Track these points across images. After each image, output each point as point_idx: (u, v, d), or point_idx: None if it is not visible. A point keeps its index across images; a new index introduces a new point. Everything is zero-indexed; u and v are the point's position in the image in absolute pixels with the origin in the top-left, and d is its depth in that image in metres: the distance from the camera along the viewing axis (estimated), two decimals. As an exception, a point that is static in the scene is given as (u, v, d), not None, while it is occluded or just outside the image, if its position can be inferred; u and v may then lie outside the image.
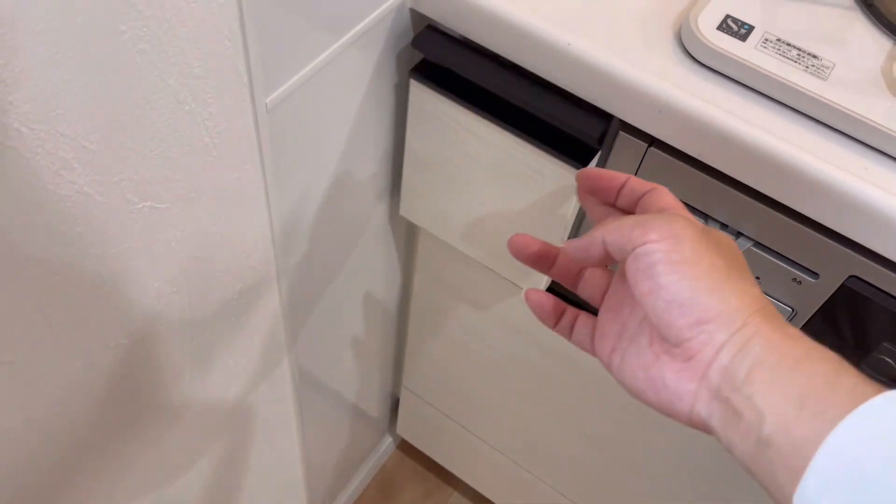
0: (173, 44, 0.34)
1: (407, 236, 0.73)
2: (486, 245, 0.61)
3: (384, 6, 0.48)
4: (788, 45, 0.44)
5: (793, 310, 0.48)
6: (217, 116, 0.39)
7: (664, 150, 0.46)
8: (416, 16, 0.51)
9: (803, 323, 0.48)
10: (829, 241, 0.44)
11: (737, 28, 0.44)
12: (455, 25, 0.49)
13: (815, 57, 0.43)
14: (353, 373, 0.80)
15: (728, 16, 0.45)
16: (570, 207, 0.53)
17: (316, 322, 0.63)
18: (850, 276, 0.44)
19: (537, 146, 0.51)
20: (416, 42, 0.51)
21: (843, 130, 0.42)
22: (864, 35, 0.45)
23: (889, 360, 0.46)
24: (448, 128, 0.54)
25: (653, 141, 0.46)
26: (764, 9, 0.45)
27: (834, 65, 0.43)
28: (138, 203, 0.38)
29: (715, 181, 0.45)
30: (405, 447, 1.09)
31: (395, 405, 1.01)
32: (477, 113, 0.51)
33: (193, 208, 0.41)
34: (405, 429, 1.02)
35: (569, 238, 0.55)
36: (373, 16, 0.47)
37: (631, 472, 0.75)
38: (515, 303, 0.67)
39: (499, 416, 0.84)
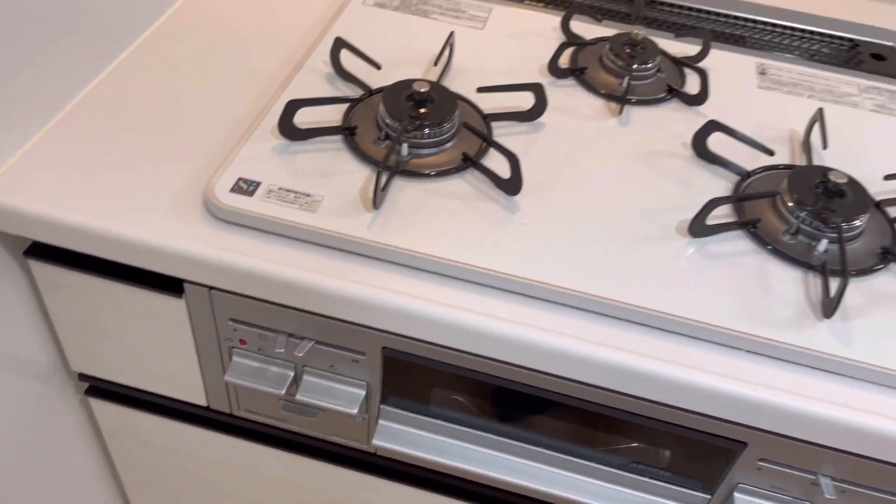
0: None
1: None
2: (155, 377, 0.69)
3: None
4: (287, 190, 0.56)
5: (368, 384, 0.60)
6: None
7: (224, 292, 0.57)
8: None
9: (381, 390, 0.61)
10: (363, 328, 0.56)
11: (246, 187, 0.56)
12: (28, 234, 0.57)
13: (308, 195, 0.56)
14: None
15: (240, 178, 0.57)
16: (184, 329, 0.63)
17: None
18: (384, 348, 0.57)
19: (133, 285, 0.60)
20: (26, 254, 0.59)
21: (336, 247, 0.55)
22: (349, 167, 0.59)
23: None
24: (75, 289, 0.62)
25: (211, 287, 0.57)
26: (270, 165, 0.58)
27: (324, 197, 0.56)
28: None
29: (273, 305, 0.57)
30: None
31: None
32: (89, 273, 0.60)
33: None
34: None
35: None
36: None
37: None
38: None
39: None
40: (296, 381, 0.62)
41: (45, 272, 0.61)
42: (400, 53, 0.71)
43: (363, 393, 0.60)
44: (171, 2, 0.75)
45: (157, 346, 0.65)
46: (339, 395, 0.61)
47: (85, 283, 0.61)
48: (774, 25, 0.81)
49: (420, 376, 0.59)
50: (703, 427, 0.54)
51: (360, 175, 0.59)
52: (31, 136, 0.60)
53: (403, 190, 0.58)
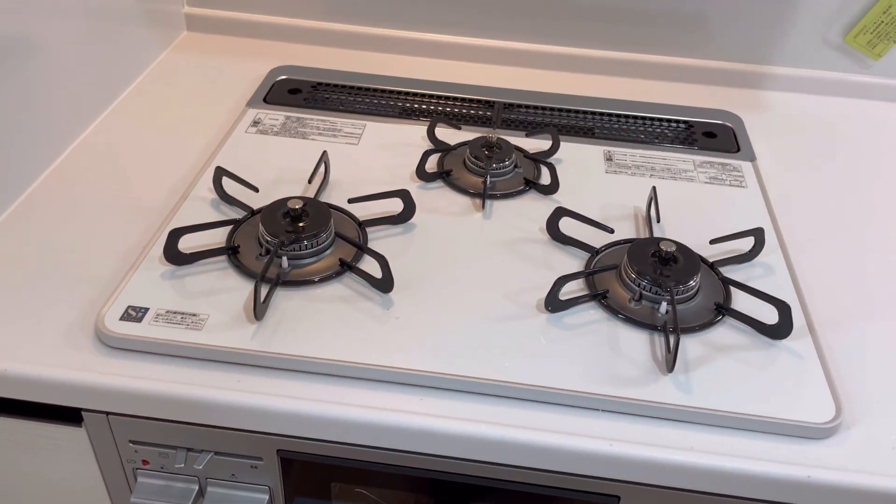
0: None
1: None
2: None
3: None
4: (174, 312, 0.61)
5: (270, 488, 0.63)
6: None
7: (122, 416, 0.60)
8: None
9: (283, 492, 0.63)
10: (257, 434, 0.60)
11: (135, 314, 0.60)
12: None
13: (194, 315, 0.61)
14: None
15: (129, 306, 0.61)
16: (88, 457, 0.64)
17: None
18: (279, 450, 0.60)
19: (32, 419, 0.62)
20: None
21: (223, 360, 0.59)
22: (234, 284, 0.64)
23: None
24: None
25: (108, 412, 0.60)
26: (157, 290, 0.62)
27: (209, 315, 0.61)
28: None
29: (170, 423, 0.60)
30: None
31: None
32: None
33: None
34: None
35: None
36: None
37: None
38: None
39: None
40: (201, 493, 0.64)
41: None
42: (280, 174, 0.77)
43: (266, 497, 0.63)
44: (64, 146, 0.80)
45: (62, 476, 0.66)
46: (244, 503, 0.63)
47: (-17, 424, 0.63)
48: (619, 116, 0.91)
49: (319, 474, 0.62)
50: (577, 486, 0.58)
51: (244, 291, 0.63)
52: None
53: (289, 300, 0.63)
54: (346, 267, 0.66)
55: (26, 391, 0.58)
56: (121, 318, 0.60)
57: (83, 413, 0.61)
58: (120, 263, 0.67)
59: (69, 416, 0.61)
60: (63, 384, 0.58)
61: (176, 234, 0.64)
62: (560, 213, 0.70)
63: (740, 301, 0.65)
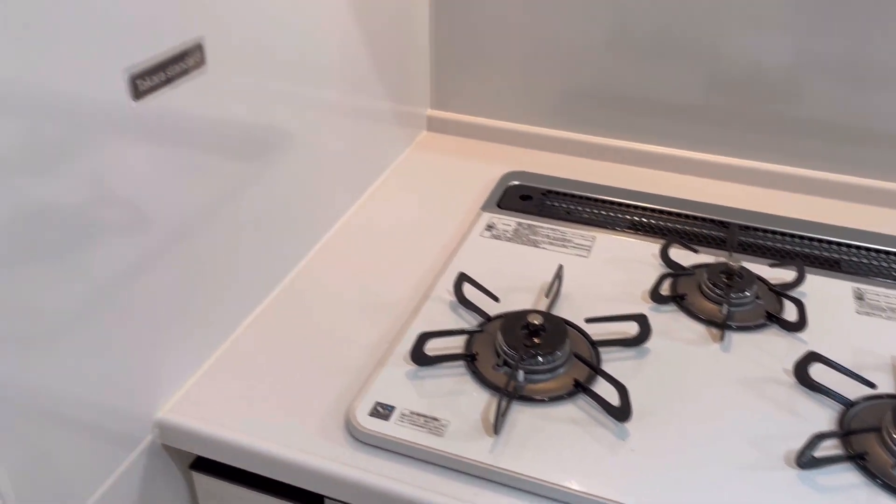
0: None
1: None
2: None
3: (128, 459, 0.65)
4: (418, 415, 0.64)
5: None
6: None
7: (358, 506, 0.63)
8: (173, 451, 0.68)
9: None
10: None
11: (383, 411, 0.64)
12: (195, 450, 0.66)
13: (436, 419, 0.63)
14: None
15: (377, 402, 0.65)
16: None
17: None
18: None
19: (281, 498, 0.67)
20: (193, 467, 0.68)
21: (462, 470, 0.60)
22: (471, 390, 0.66)
23: None
24: (230, 501, 0.69)
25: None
26: (402, 389, 0.66)
27: (450, 422, 0.63)
28: None
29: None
30: None
31: None
32: (243, 486, 0.68)
33: None
34: None
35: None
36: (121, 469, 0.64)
37: None
38: None
39: None
40: None
41: (206, 484, 0.69)
42: (513, 282, 0.80)
43: None
44: (317, 238, 0.88)
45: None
46: None
47: (240, 496, 0.68)
48: (869, 249, 0.85)
49: None
50: None
51: (480, 398, 0.65)
52: (202, 365, 0.71)
53: (520, 414, 0.64)
54: (581, 388, 0.66)
55: (280, 472, 0.63)
56: (370, 414, 0.64)
57: (325, 500, 0.65)
58: (367, 357, 0.72)
59: (313, 499, 0.66)
60: (312, 471, 0.62)
61: (424, 338, 0.68)
62: (812, 358, 0.66)
63: None
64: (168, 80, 0.56)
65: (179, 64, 0.57)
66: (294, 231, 0.83)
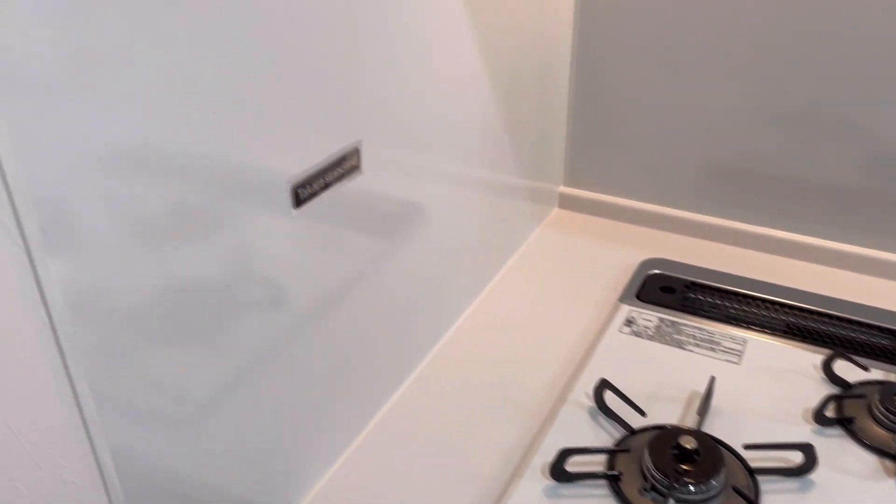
0: None
1: None
2: None
3: None
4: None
5: None
6: None
7: None
8: None
9: None
10: None
11: None
12: None
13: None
14: None
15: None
16: None
17: None
18: None
19: None
20: None
21: None
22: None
23: None
24: None
25: None
26: None
27: None
28: None
29: None
30: None
31: None
32: None
33: None
34: None
35: None
36: None
37: None
38: None
39: None
40: None
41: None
42: (658, 388, 0.75)
43: None
44: (439, 335, 0.86)
45: None
46: None
47: None
48: None
49: None
50: None
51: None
52: (334, 463, 0.70)
53: (669, 547, 0.59)
54: (739, 525, 0.60)
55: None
56: None
57: None
58: (501, 465, 0.68)
59: None
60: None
61: (565, 454, 0.64)
62: None
63: None
64: (326, 186, 0.56)
65: (337, 169, 0.56)
66: (427, 314, 0.81)
